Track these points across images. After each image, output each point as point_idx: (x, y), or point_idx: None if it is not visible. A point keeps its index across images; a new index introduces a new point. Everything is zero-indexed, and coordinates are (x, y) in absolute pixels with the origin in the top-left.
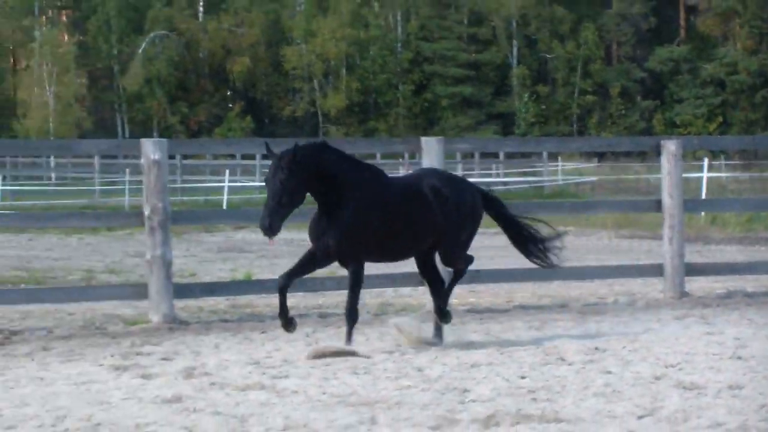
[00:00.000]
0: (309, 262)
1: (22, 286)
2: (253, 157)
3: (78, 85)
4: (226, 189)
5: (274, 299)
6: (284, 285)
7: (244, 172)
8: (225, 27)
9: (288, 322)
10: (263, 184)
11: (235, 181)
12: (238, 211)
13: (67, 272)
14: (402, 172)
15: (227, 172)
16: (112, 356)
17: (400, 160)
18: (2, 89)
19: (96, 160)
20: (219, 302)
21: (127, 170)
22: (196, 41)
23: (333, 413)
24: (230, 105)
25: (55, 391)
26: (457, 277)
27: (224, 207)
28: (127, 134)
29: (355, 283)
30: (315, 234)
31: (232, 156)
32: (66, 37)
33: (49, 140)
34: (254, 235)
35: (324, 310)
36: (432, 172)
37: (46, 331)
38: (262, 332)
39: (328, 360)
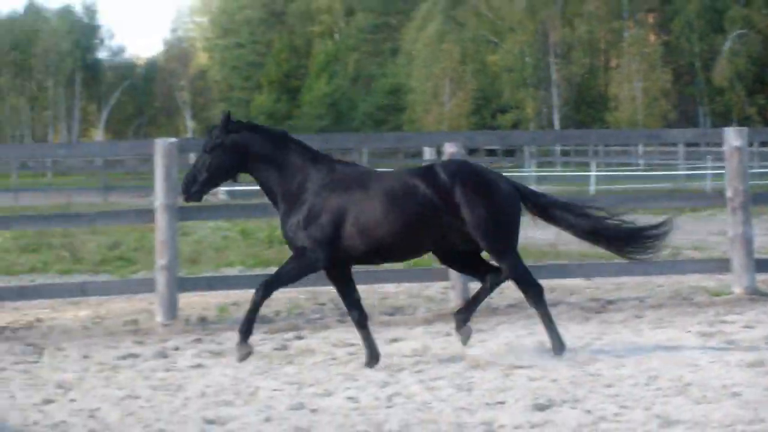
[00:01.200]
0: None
1: (615, 260)
2: None
3: (663, 81)
4: None
5: None
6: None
7: None
8: None
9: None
10: None
11: None
12: None
13: None
14: None
15: None
16: (698, 324)
17: None
18: (596, 85)
19: (680, 148)
20: None
21: (709, 157)
22: None
23: None
24: None
25: (648, 355)
26: (498, 279)
27: None
28: (708, 124)
29: (287, 269)
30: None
31: None
32: (652, 38)
33: (638, 130)
34: None
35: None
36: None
37: (638, 300)
38: None
39: None
